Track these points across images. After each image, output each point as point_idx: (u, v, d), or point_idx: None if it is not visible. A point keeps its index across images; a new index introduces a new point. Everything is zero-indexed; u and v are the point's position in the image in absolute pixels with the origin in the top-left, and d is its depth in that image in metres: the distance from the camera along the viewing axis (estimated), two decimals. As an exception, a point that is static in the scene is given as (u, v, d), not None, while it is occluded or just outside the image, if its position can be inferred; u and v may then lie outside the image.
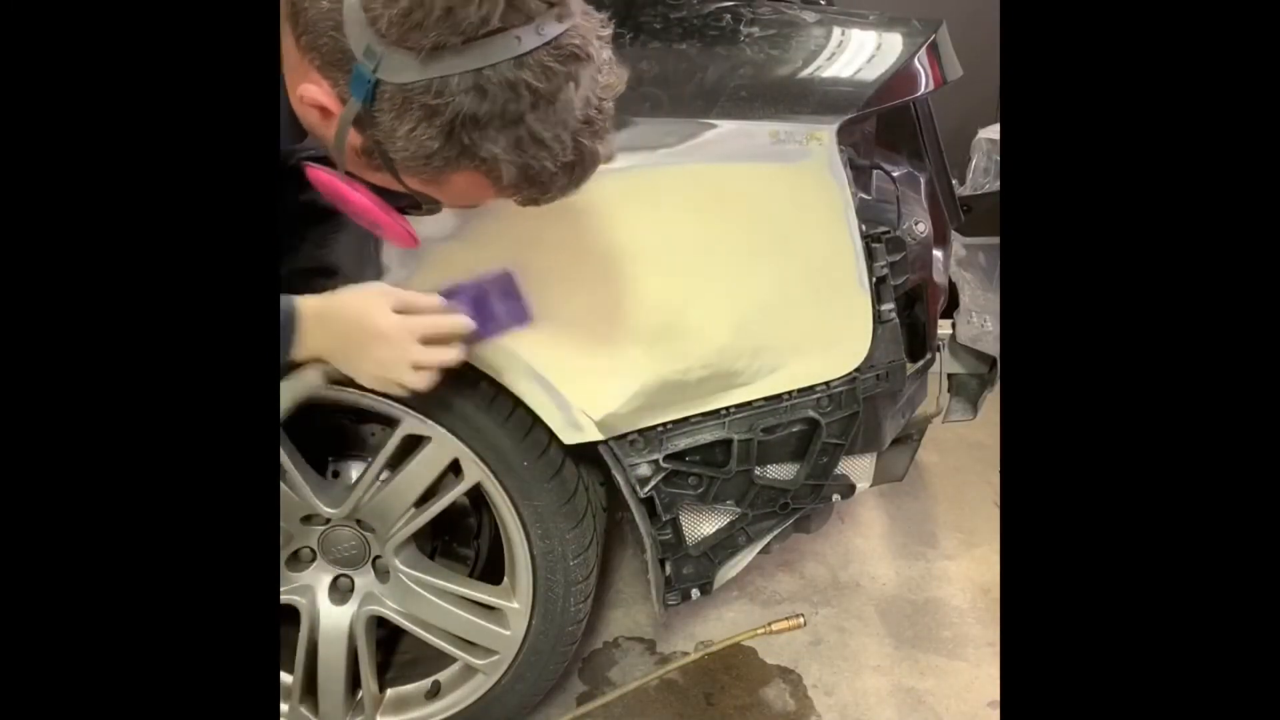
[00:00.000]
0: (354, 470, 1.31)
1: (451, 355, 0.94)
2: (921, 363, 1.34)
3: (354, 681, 1.36)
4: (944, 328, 1.46)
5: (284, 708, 1.35)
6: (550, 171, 0.74)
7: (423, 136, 0.70)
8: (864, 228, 1.09)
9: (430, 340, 0.92)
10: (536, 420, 1.12)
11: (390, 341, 0.91)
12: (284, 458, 1.19)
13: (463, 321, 0.95)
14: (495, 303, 0.97)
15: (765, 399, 1.14)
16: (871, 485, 1.33)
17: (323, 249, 1.02)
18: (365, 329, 0.91)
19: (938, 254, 1.34)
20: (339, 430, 1.33)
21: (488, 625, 1.31)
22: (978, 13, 2.56)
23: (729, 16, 1.11)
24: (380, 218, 0.83)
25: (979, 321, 1.45)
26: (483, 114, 0.68)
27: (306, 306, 0.90)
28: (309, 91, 0.73)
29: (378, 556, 1.31)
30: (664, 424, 1.13)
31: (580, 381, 1.08)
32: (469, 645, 1.34)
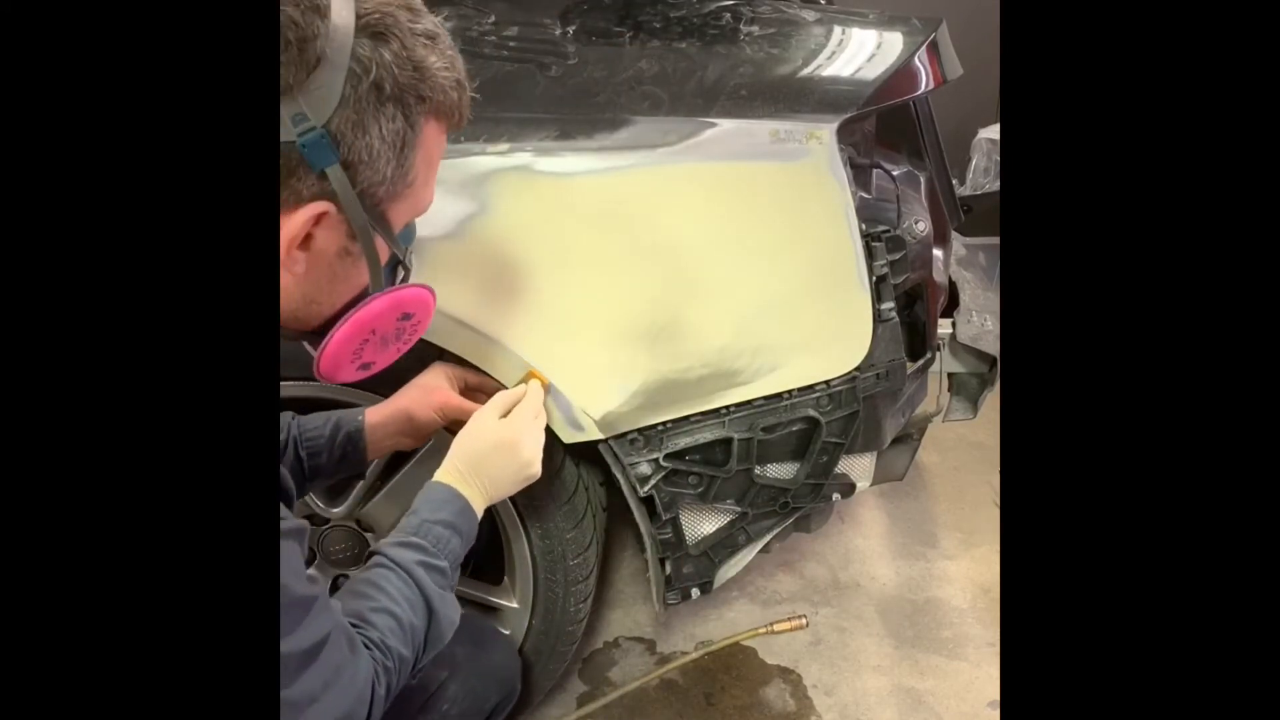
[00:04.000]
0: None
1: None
2: (921, 362, 1.34)
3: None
4: (944, 327, 1.46)
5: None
6: (456, 79, 0.73)
7: (389, 119, 0.68)
8: (864, 226, 1.09)
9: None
10: (536, 419, 1.12)
11: (526, 444, 0.98)
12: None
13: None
14: None
15: (765, 398, 1.14)
16: (871, 485, 1.33)
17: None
18: (514, 457, 0.97)
19: (938, 253, 1.34)
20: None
21: (487, 625, 1.31)
22: (978, 13, 2.56)
23: (729, 15, 1.11)
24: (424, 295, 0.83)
25: (979, 321, 1.45)
26: (395, 50, 0.67)
27: (448, 474, 0.95)
28: (291, 227, 0.67)
29: (377, 556, 1.31)
30: (664, 423, 1.12)
31: (580, 380, 1.08)
32: (469, 645, 1.34)
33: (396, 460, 1.20)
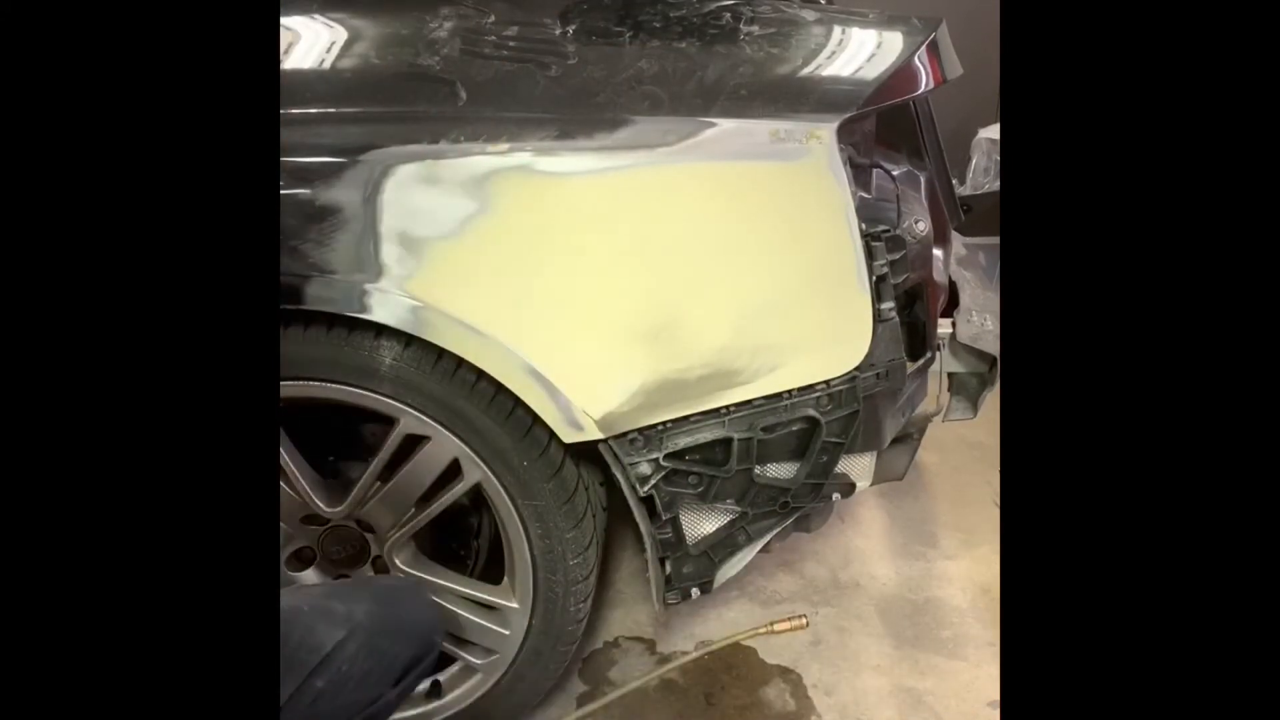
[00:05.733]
0: (354, 470, 1.31)
1: None
2: (921, 361, 1.34)
3: (354, 681, 1.36)
4: (944, 326, 1.46)
5: (283, 707, 1.35)
6: None
7: None
8: (864, 226, 1.09)
9: None
10: (536, 419, 1.12)
11: None
12: (284, 457, 1.19)
13: None
14: None
15: (765, 397, 1.14)
16: (871, 484, 1.32)
17: (322, 248, 1.02)
18: None
19: (938, 253, 1.34)
20: (339, 430, 1.33)
21: (487, 625, 1.31)
22: (978, 13, 2.56)
23: (729, 15, 1.11)
24: None
25: (979, 320, 1.45)
26: None
27: None
28: None
29: (377, 556, 1.31)
30: (664, 422, 1.13)
31: (580, 380, 1.08)
32: (468, 645, 1.34)
33: (396, 460, 1.20)
